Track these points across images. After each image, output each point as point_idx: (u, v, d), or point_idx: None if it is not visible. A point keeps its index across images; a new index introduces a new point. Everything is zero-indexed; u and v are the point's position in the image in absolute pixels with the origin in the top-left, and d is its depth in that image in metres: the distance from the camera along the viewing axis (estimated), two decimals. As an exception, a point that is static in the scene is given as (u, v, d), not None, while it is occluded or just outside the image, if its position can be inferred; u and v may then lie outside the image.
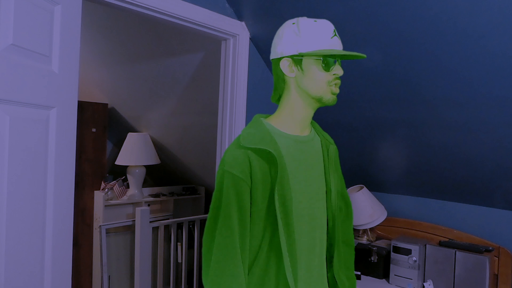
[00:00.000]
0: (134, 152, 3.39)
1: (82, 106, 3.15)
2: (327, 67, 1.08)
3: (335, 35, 1.09)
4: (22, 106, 1.19)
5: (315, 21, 1.08)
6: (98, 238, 3.16)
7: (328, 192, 1.18)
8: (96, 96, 3.65)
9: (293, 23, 1.10)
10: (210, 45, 2.38)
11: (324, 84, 1.09)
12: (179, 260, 3.36)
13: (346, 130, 2.20)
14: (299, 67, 1.09)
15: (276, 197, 1.03)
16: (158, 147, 3.65)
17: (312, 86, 1.09)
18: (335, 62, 1.09)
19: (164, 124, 3.44)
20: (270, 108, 2.31)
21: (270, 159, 1.04)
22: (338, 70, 1.10)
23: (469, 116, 1.70)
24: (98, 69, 3.36)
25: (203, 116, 2.94)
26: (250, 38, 2.14)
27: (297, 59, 1.09)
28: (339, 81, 1.11)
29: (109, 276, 3.24)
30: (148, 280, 3.05)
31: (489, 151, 1.78)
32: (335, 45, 1.08)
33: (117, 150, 3.70)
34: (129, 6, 1.68)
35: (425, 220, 2.25)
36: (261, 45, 2.15)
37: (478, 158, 1.85)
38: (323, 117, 2.05)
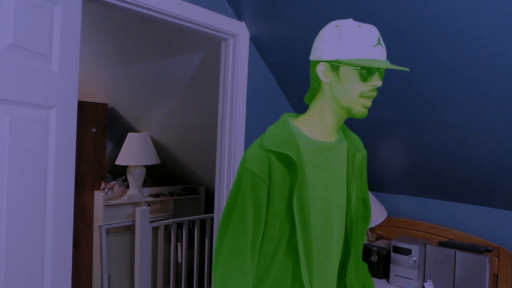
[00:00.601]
0: (134, 152, 3.39)
1: (82, 106, 3.15)
2: (365, 77, 1.02)
3: (379, 43, 1.02)
4: (22, 106, 1.19)
5: (359, 26, 1.02)
6: (98, 238, 3.16)
7: (348, 200, 1.15)
8: (96, 96, 3.65)
9: (336, 26, 1.04)
10: (210, 45, 2.38)
11: (356, 95, 1.04)
12: (179, 260, 3.37)
13: (346, 130, 2.20)
14: (335, 74, 1.05)
15: (294, 202, 1.03)
16: (158, 147, 3.65)
17: (345, 95, 1.05)
18: (375, 72, 1.03)
19: (164, 124, 3.44)
20: (270, 108, 2.31)
21: (290, 164, 1.04)
22: (376, 81, 1.04)
23: (469, 116, 1.70)
24: (98, 69, 3.36)
25: (203, 116, 2.94)
26: (250, 38, 2.14)
27: (335, 65, 1.04)
28: (375, 93, 1.06)
29: (109, 276, 3.24)
30: (148, 280, 3.05)
31: (489, 151, 1.78)
32: (378, 54, 1.02)
33: (117, 150, 3.70)
34: (129, 6, 1.68)
35: (425, 220, 2.25)
36: (261, 45, 2.15)
37: (478, 158, 1.85)
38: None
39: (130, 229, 3.35)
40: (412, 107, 1.83)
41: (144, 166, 3.50)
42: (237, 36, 2.10)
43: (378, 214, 2.23)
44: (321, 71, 1.06)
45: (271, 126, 1.13)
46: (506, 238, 1.98)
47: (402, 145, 2.08)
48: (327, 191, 1.10)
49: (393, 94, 1.84)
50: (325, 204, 1.09)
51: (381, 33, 1.63)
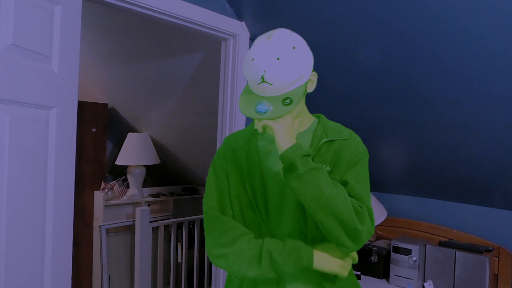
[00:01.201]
0: (134, 152, 3.39)
1: (82, 106, 3.15)
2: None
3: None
4: (22, 106, 1.19)
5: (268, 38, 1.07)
6: (98, 238, 3.16)
7: None
8: (96, 96, 3.65)
9: (294, 48, 1.04)
10: (210, 45, 2.38)
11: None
12: (179, 260, 3.37)
13: (346, 130, 2.20)
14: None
15: (249, 190, 1.15)
16: (158, 147, 3.65)
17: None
18: None
19: (164, 124, 3.44)
20: (270, 108, 2.31)
21: (243, 158, 1.17)
22: None
23: (469, 116, 1.69)
24: (98, 69, 3.36)
25: (203, 116, 2.94)
26: (250, 38, 2.14)
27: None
28: None
29: (109, 276, 3.24)
30: (148, 280, 3.05)
31: (489, 151, 1.78)
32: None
33: (117, 150, 3.70)
34: (129, 6, 1.68)
35: (425, 220, 2.25)
36: (261, 45, 2.15)
37: (478, 158, 1.85)
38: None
39: (130, 229, 3.35)
40: (412, 107, 1.83)
41: (144, 166, 3.50)
42: (237, 36, 2.10)
43: (378, 214, 2.23)
44: (313, 83, 1.13)
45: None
46: (506, 238, 1.98)
47: (402, 145, 2.08)
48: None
49: (393, 94, 1.84)
50: (281, 193, 1.15)
51: (381, 33, 1.64)
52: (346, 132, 1.23)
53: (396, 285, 2.03)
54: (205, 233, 1.17)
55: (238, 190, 1.17)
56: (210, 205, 1.17)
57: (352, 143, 1.22)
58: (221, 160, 1.21)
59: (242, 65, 2.11)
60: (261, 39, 1.06)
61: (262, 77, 1.03)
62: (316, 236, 1.14)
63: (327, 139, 1.18)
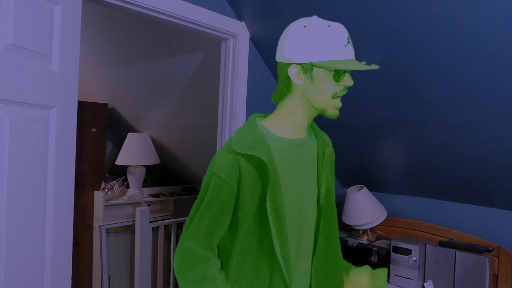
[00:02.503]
0: (134, 152, 3.39)
1: (82, 106, 3.15)
2: (337, 77, 1.04)
3: (349, 42, 1.03)
4: (22, 106, 1.19)
5: (328, 26, 1.01)
6: (98, 238, 3.16)
7: (318, 194, 1.16)
8: (96, 96, 3.65)
9: (305, 26, 1.02)
10: (210, 45, 2.38)
11: (329, 96, 1.05)
12: (179, 260, 3.36)
13: (346, 130, 2.20)
14: (308, 76, 1.04)
15: (268, 203, 1.03)
16: (158, 147, 3.65)
17: (318, 97, 1.05)
18: (345, 71, 1.05)
19: (164, 124, 3.44)
20: (270, 108, 2.30)
21: (261, 165, 1.03)
22: (348, 81, 1.06)
23: (469, 116, 1.70)
24: (98, 69, 3.36)
25: (203, 116, 2.94)
26: (250, 38, 2.14)
27: (307, 67, 1.03)
28: (345, 92, 1.07)
29: (109, 276, 3.24)
30: (148, 280, 3.05)
31: (489, 151, 1.78)
32: (348, 54, 1.03)
33: (117, 150, 3.70)
34: (129, 6, 1.68)
35: (425, 220, 2.25)
36: (261, 45, 2.15)
37: (478, 158, 1.85)
38: (323, 117, 2.05)
39: (130, 229, 3.35)
40: (412, 107, 1.83)
41: (144, 166, 3.50)
42: (237, 36, 2.10)
43: (378, 214, 2.23)
44: (293, 73, 1.05)
45: (238, 128, 1.12)
46: (506, 238, 1.98)
47: (402, 145, 2.08)
48: (301, 188, 1.11)
49: (393, 94, 1.84)
50: (300, 201, 1.10)
51: (381, 33, 1.64)
52: (330, 140, 1.27)
53: (396, 285, 2.03)
54: (177, 271, 1.04)
55: (252, 207, 1.04)
56: (194, 236, 1.04)
57: (333, 152, 1.26)
58: (229, 175, 1.03)
59: (243, 65, 2.11)
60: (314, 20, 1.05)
61: (348, 38, 1.03)
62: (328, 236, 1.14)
63: (330, 148, 1.20)
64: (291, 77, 1.05)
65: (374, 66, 1.01)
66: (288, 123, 1.11)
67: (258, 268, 1.05)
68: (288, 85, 1.08)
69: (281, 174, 1.06)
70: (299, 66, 1.04)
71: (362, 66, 1.00)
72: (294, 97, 1.09)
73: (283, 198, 1.05)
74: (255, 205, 1.04)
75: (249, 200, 1.04)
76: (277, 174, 1.04)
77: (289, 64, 1.05)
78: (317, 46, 1.00)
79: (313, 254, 1.12)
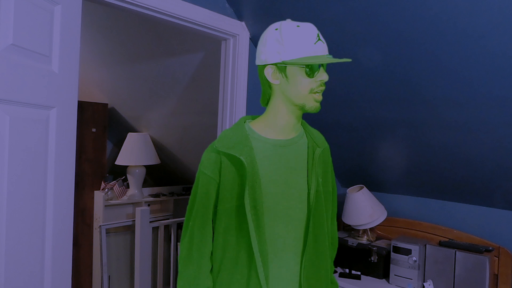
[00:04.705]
0: (134, 152, 3.39)
1: (82, 106, 3.15)
2: (311, 73, 1.08)
3: (319, 39, 1.07)
4: (22, 106, 1.19)
5: (297, 26, 1.07)
6: (98, 238, 3.16)
7: (308, 194, 1.18)
8: (96, 96, 3.65)
9: (276, 29, 1.09)
10: (210, 45, 2.38)
11: (306, 92, 1.10)
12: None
13: (346, 130, 2.20)
14: (283, 75, 1.10)
15: (246, 201, 1.09)
16: (158, 147, 3.65)
17: (296, 93, 1.10)
18: (319, 67, 1.09)
19: (164, 124, 3.44)
20: (270, 108, 2.31)
21: (240, 165, 1.10)
22: (322, 76, 1.10)
23: (469, 116, 1.70)
24: (98, 69, 3.36)
25: (203, 116, 2.94)
26: (250, 38, 2.14)
27: (281, 67, 1.09)
28: (323, 87, 1.12)
29: (109, 276, 3.24)
30: (148, 280, 3.05)
31: (489, 151, 1.78)
32: (319, 50, 1.07)
33: (117, 150, 3.70)
34: (129, 6, 1.68)
35: (425, 220, 2.25)
36: (261, 45, 2.15)
37: (478, 158, 1.85)
38: (323, 117, 2.05)
39: (130, 229, 3.35)
40: (412, 107, 1.83)
41: (144, 166, 3.50)
42: (237, 36, 2.10)
43: (378, 214, 2.23)
44: (269, 74, 1.11)
45: (226, 129, 1.20)
46: (506, 238, 1.98)
47: (402, 145, 2.08)
48: (288, 187, 1.15)
49: (393, 94, 1.84)
50: (286, 200, 1.14)
51: (381, 33, 1.64)
52: (324, 138, 1.28)
53: (396, 285, 2.03)
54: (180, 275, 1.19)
55: (230, 203, 1.13)
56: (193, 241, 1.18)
57: (328, 151, 1.28)
58: (213, 171, 1.14)
59: (243, 65, 2.11)
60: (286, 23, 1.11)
61: (318, 35, 1.07)
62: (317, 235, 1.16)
63: (320, 149, 1.21)
64: (267, 78, 1.12)
65: (345, 59, 1.06)
66: (274, 124, 1.16)
67: (237, 262, 1.12)
68: (269, 87, 1.15)
69: (264, 173, 1.12)
70: (274, 66, 1.10)
71: (332, 59, 1.05)
72: (276, 98, 1.14)
73: (266, 196, 1.11)
74: (234, 201, 1.11)
75: (228, 195, 1.12)
76: (257, 173, 1.10)
77: (265, 66, 1.12)
78: (287, 45, 1.06)
79: (303, 251, 1.15)
